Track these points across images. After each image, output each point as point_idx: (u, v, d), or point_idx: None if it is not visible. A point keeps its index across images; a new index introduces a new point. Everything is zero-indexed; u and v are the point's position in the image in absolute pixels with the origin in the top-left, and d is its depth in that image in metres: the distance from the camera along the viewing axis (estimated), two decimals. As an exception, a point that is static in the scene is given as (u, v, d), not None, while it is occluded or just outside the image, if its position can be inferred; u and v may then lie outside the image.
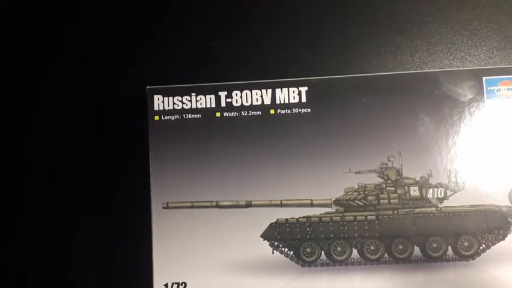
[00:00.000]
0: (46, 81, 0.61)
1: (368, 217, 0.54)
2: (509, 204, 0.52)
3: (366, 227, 0.54)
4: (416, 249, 0.53)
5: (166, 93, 0.54)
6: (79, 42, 0.61)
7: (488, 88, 0.53)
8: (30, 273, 0.59)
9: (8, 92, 0.61)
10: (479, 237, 0.52)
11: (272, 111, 0.54)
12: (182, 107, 0.54)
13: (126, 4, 0.61)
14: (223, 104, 0.54)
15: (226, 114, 0.54)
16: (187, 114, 0.54)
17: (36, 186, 0.60)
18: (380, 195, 0.54)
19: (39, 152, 0.60)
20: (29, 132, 0.60)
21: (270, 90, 0.54)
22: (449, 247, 0.52)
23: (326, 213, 0.54)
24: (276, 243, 0.53)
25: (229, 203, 0.53)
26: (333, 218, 0.54)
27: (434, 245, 0.53)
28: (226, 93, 0.54)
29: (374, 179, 0.54)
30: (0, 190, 0.60)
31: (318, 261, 0.54)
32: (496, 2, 0.60)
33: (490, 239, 0.52)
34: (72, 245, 0.59)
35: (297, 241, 0.54)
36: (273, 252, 0.53)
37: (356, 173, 0.53)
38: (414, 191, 0.54)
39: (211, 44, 0.60)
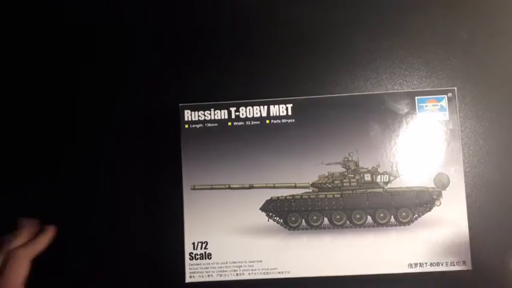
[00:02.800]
0: (113, 98, 0.66)
1: (335, 195, 0.58)
2: (434, 186, 0.57)
3: (333, 202, 0.58)
4: (369, 218, 0.58)
5: (193, 109, 0.59)
6: (136, 70, 0.66)
7: (419, 105, 0.59)
8: (92, 231, 0.63)
9: (88, 106, 0.66)
10: (413, 209, 0.57)
11: (267, 121, 0.59)
12: (204, 118, 0.59)
13: (175, 48, 0.67)
14: (233, 116, 0.59)
15: (235, 123, 0.59)
16: (207, 124, 0.59)
17: (103, 173, 0.65)
18: (343, 180, 0.58)
19: (105, 149, 0.65)
20: (97, 137, 0.65)
21: (265, 106, 0.59)
22: (392, 216, 0.58)
23: (305, 192, 0.58)
24: (270, 213, 0.58)
25: (237, 186, 0.58)
26: (311, 196, 0.58)
27: (381, 215, 0.58)
28: (235, 108, 0.59)
29: (339, 169, 0.58)
30: (78, 179, 0.65)
31: (300, 226, 0.58)
32: (425, 42, 0.64)
33: (420, 210, 0.57)
34: (127, 212, 0.63)
35: (285, 212, 0.58)
36: (268, 220, 0.58)
37: (326, 164, 0.58)
38: (367, 177, 0.58)
39: (224, 74, 0.65)
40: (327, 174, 0.59)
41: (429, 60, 0.65)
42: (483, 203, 0.62)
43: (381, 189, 0.58)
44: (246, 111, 0.59)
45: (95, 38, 0.67)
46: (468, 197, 0.58)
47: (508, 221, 0.61)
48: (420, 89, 0.62)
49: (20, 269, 0.55)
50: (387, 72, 0.65)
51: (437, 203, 0.57)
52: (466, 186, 0.58)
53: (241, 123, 0.59)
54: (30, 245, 0.57)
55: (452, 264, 0.56)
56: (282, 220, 0.59)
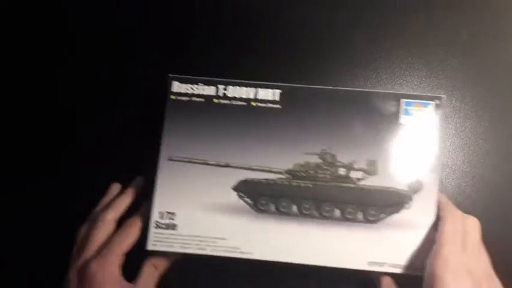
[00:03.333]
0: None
1: (307, 184, 0.59)
2: (406, 189, 0.57)
3: (304, 191, 0.59)
4: (337, 211, 0.58)
5: (181, 81, 0.60)
6: (136, 70, 0.68)
7: (405, 108, 0.59)
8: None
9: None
10: (382, 209, 0.58)
11: (254, 104, 0.60)
12: (192, 92, 0.60)
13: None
14: (220, 94, 0.60)
15: (221, 101, 0.60)
16: (194, 98, 0.60)
17: (104, 173, 0.65)
18: (318, 171, 0.59)
19: (105, 149, 0.66)
20: (97, 137, 0.67)
21: (254, 89, 0.60)
22: (360, 213, 0.58)
23: (279, 178, 0.59)
24: (242, 194, 0.59)
25: (213, 162, 0.59)
26: (283, 182, 0.59)
27: (350, 210, 0.58)
28: (223, 86, 0.60)
29: (316, 160, 0.59)
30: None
31: (269, 210, 0.59)
32: (425, 43, 0.65)
33: (388, 210, 0.58)
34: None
35: (257, 195, 0.59)
36: (238, 200, 0.59)
37: (304, 153, 0.58)
38: (342, 171, 0.59)
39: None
40: (302, 163, 0.59)
41: (429, 60, 0.65)
42: (482, 203, 0.62)
43: (353, 185, 0.59)
44: (234, 91, 0.60)
45: (95, 38, 0.68)
46: (468, 197, 0.58)
47: (508, 222, 0.61)
48: (413, 92, 0.61)
49: (106, 231, 0.57)
50: (387, 73, 0.65)
51: (407, 206, 0.57)
52: (465, 186, 0.58)
53: (227, 101, 0.60)
54: (114, 205, 0.59)
55: (414, 268, 0.56)
56: (252, 202, 0.59)
